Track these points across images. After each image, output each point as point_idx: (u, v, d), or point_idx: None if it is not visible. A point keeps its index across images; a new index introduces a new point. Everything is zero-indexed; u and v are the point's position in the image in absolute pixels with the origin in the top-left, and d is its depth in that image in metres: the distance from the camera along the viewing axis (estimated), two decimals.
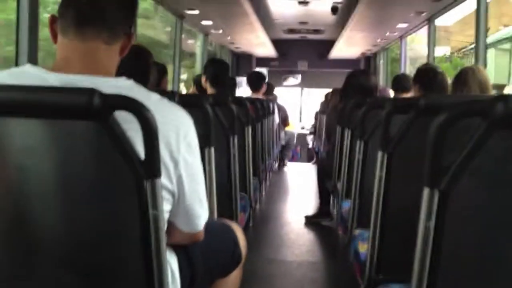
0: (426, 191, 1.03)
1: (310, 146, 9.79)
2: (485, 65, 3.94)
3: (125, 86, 1.22)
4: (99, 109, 1.04)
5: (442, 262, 1.06)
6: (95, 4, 1.21)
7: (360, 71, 4.63)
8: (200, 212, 1.34)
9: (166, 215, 1.28)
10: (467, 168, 0.99)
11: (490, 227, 1.09)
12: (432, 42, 5.81)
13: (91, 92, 1.03)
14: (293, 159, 9.61)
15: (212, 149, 2.03)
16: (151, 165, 1.10)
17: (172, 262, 1.40)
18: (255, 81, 5.89)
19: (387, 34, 7.43)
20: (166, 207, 1.26)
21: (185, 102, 1.82)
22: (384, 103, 1.71)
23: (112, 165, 1.13)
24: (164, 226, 1.17)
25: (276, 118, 6.77)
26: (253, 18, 6.55)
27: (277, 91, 9.02)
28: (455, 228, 1.06)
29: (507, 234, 1.08)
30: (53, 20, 1.24)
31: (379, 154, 1.65)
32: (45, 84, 1.16)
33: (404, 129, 1.55)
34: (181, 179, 1.25)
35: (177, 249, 1.44)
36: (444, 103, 1.03)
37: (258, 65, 11.20)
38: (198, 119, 1.95)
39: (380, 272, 1.67)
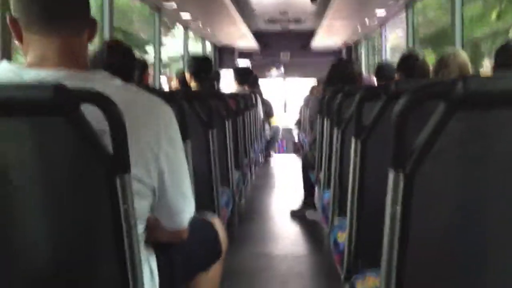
0: (391, 175, 1.03)
1: (296, 139, 9.80)
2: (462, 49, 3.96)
3: (100, 79, 1.21)
4: (64, 104, 1.02)
5: (411, 245, 1.07)
6: None
7: (344, 60, 4.65)
8: (183, 207, 1.31)
9: (144, 211, 1.26)
10: (430, 150, 0.99)
11: (456, 208, 1.10)
12: (410, 28, 5.82)
13: (55, 87, 1.02)
14: (280, 152, 9.62)
15: (188, 142, 2.01)
16: (120, 159, 1.09)
17: (151, 260, 1.39)
18: (242, 75, 5.93)
19: (367, 21, 7.44)
20: (144, 203, 1.24)
21: (160, 97, 1.80)
22: (358, 91, 1.71)
23: (83, 161, 1.12)
24: (136, 221, 1.16)
25: (260, 112, 6.76)
26: (232, 9, 6.52)
27: (261, 82, 9.02)
28: (422, 211, 1.06)
29: (473, 215, 1.09)
30: (13, 19, 1.19)
31: (353, 141, 1.66)
32: (20, 80, 1.13)
33: (376, 115, 1.55)
34: (162, 173, 1.22)
35: (157, 247, 1.43)
36: (412, 87, 1.03)
37: (241, 57, 11.18)
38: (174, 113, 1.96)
39: (358, 260, 1.68)
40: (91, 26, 1.26)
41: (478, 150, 1.04)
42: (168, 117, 1.25)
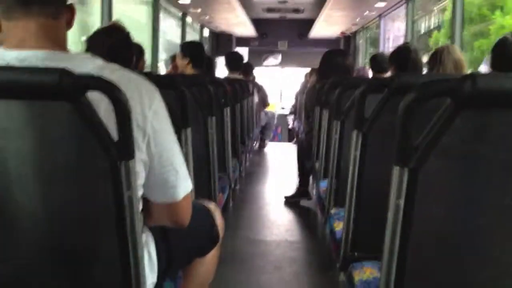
0: (395, 170, 1.04)
1: (290, 126, 9.82)
2: (461, 46, 3.95)
3: (82, 59, 1.20)
4: (71, 89, 1.02)
5: (412, 239, 1.08)
6: None
7: (337, 50, 4.65)
8: (176, 182, 1.29)
9: (140, 192, 1.26)
10: (435, 147, 1.00)
11: (458, 205, 1.11)
12: (410, 21, 5.82)
13: (62, 72, 1.02)
14: (274, 139, 9.64)
15: (189, 130, 2.01)
16: (125, 146, 1.09)
17: (149, 244, 1.40)
18: (233, 62, 5.85)
19: (366, 13, 7.42)
20: (140, 180, 1.23)
21: (161, 83, 1.80)
22: (359, 83, 1.71)
23: (87, 147, 1.11)
24: (139, 207, 1.17)
25: (256, 99, 6.75)
26: None
27: (257, 71, 8.98)
28: (424, 206, 1.08)
29: (474, 211, 1.10)
30: None
31: (354, 133, 1.66)
32: (2, 61, 1.13)
33: (378, 108, 1.56)
34: (150, 148, 1.21)
35: (155, 231, 1.43)
36: (416, 82, 1.03)
37: (238, 44, 11.12)
38: (174, 100, 1.96)
39: (355, 250, 1.70)
40: (69, 12, 1.25)
41: (482, 148, 1.05)
42: (151, 92, 1.24)
